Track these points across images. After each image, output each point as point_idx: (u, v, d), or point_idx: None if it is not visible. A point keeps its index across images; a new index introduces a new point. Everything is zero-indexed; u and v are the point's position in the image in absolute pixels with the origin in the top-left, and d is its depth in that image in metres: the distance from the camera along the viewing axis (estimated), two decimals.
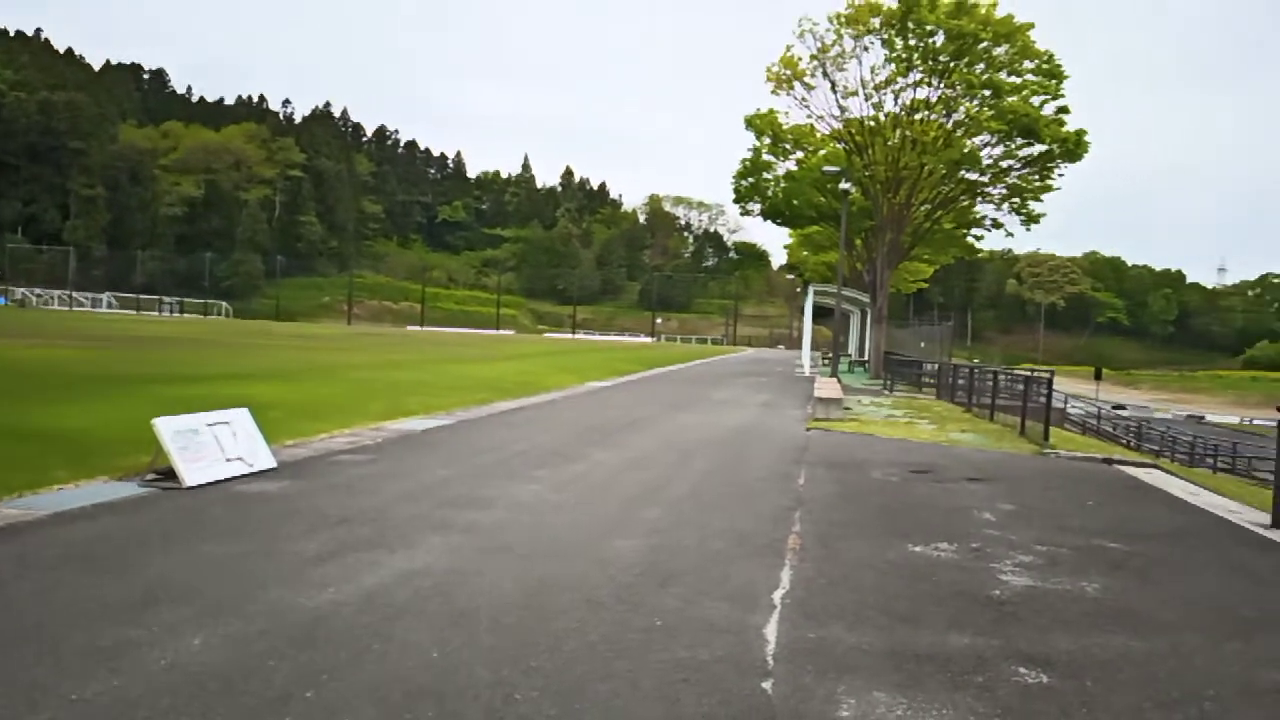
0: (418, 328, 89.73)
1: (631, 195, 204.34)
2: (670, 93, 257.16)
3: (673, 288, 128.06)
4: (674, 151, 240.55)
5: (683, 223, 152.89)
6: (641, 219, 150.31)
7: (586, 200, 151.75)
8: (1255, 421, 53.72)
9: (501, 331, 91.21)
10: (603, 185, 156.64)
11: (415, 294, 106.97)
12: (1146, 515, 8.49)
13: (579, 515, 7.02)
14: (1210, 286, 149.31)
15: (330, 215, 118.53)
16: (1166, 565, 6.36)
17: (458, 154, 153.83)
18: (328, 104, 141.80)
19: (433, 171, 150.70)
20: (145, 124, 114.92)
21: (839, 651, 4.18)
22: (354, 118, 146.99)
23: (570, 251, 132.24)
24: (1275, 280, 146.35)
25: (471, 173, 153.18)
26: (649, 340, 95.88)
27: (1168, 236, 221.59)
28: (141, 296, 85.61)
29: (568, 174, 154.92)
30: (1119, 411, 50.35)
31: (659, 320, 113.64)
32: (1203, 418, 60.17)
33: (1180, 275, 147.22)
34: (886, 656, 4.14)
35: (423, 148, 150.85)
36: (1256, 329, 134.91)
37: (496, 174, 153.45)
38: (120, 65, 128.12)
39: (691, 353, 57.75)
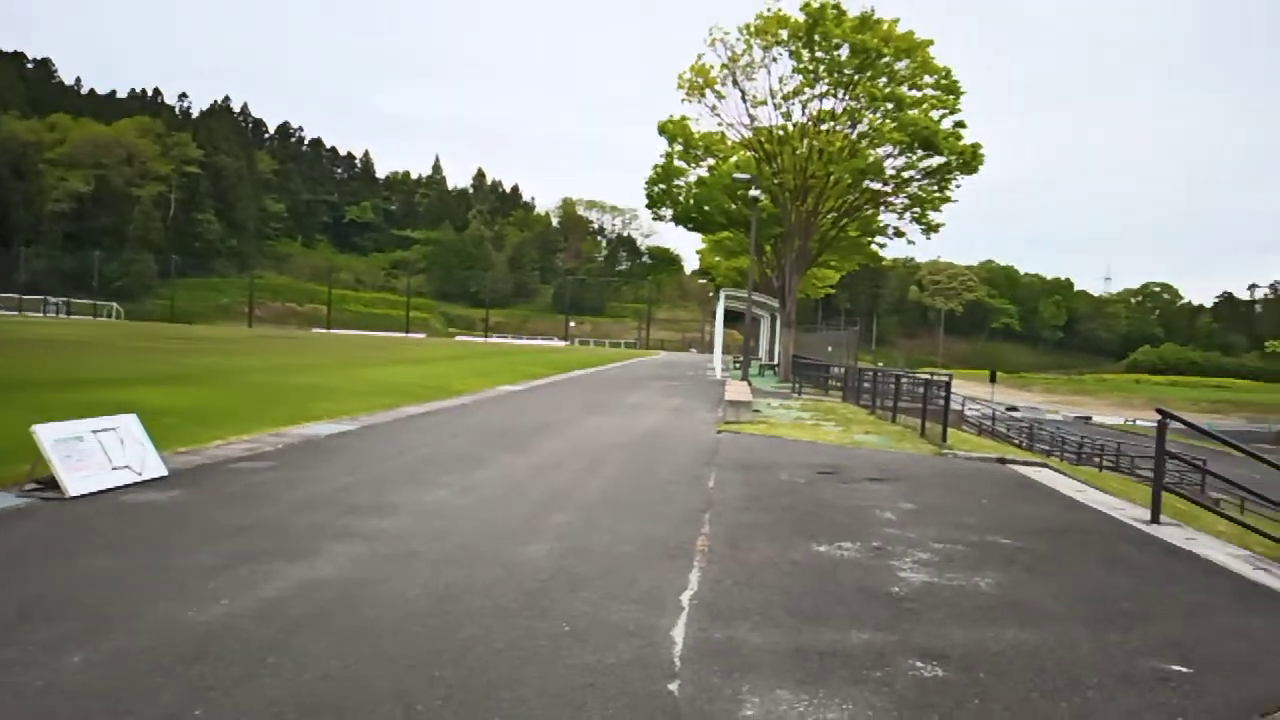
0: (324, 330, 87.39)
1: (544, 198, 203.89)
2: (585, 96, 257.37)
3: (586, 291, 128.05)
4: (588, 155, 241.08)
5: (596, 226, 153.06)
6: (555, 222, 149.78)
7: (499, 202, 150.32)
8: (1138, 422, 56.83)
9: (411, 335, 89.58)
10: (515, 188, 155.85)
11: (321, 296, 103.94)
12: (1036, 512, 8.87)
13: (488, 521, 6.94)
14: (1097, 294, 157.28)
15: (230, 214, 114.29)
16: (1054, 560, 6.65)
17: (365, 153, 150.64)
18: (227, 99, 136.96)
19: (339, 170, 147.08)
20: (29, 116, 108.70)
21: (745, 651, 4.24)
22: (255, 113, 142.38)
23: (482, 254, 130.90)
24: (1155, 289, 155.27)
25: (380, 172, 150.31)
26: (562, 344, 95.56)
27: (1058, 247, 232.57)
28: (25, 297, 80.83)
29: (480, 176, 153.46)
30: (1012, 413, 52.45)
31: (572, 324, 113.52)
32: (1090, 419, 63.27)
33: (1069, 283, 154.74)
34: (791, 654, 4.22)
35: (329, 146, 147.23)
36: (1139, 335, 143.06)
37: (406, 174, 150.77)
38: (1, 54, 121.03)
39: (605, 356, 57.84)
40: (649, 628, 4.51)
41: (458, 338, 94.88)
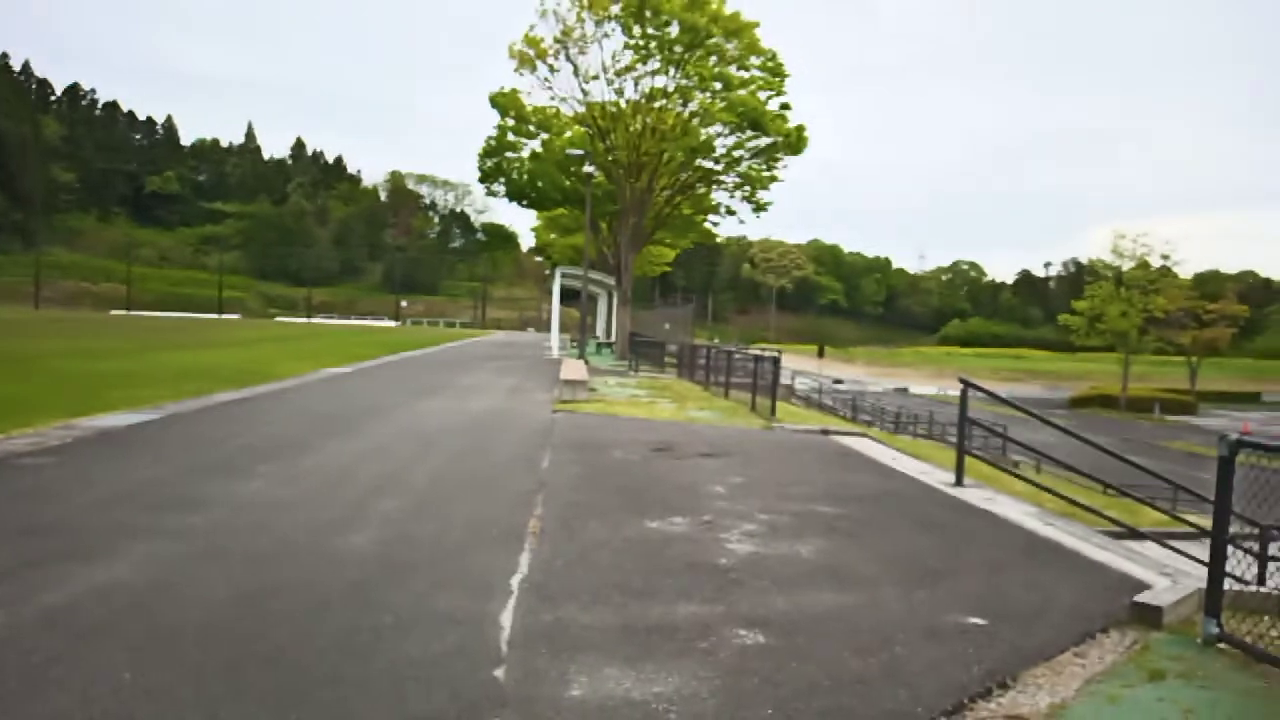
0: (124, 312, 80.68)
1: (371, 171, 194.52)
2: (414, 63, 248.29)
3: (418, 269, 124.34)
4: (418, 126, 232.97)
5: (428, 201, 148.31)
6: (383, 196, 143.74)
7: (321, 174, 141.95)
8: (949, 392, 61.19)
9: (226, 316, 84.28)
10: (339, 159, 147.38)
11: (120, 274, 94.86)
12: (855, 480, 9.35)
13: (308, 512, 6.60)
14: (913, 272, 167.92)
15: (11, 184, 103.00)
16: (870, 525, 7.03)
17: (169, 118, 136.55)
18: (5, 56, 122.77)
19: (139, 137, 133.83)
20: None
21: (574, 632, 4.22)
22: (39, 73, 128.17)
23: (304, 229, 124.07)
24: (964, 266, 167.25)
25: (186, 140, 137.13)
26: (393, 324, 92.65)
27: (878, 226, 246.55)
28: None
29: (299, 145, 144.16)
30: (838, 386, 55.36)
31: (404, 303, 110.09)
32: (907, 389, 67.61)
33: (888, 261, 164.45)
34: (620, 632, 4.24)
35: (126, 110, 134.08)
36: (950, 309, 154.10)
37: (215, 142, 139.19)
38: None
39: (438, 336, 56.50)
40: (477, 614, 4.42)
41: (278, 319, 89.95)
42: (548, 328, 43.95)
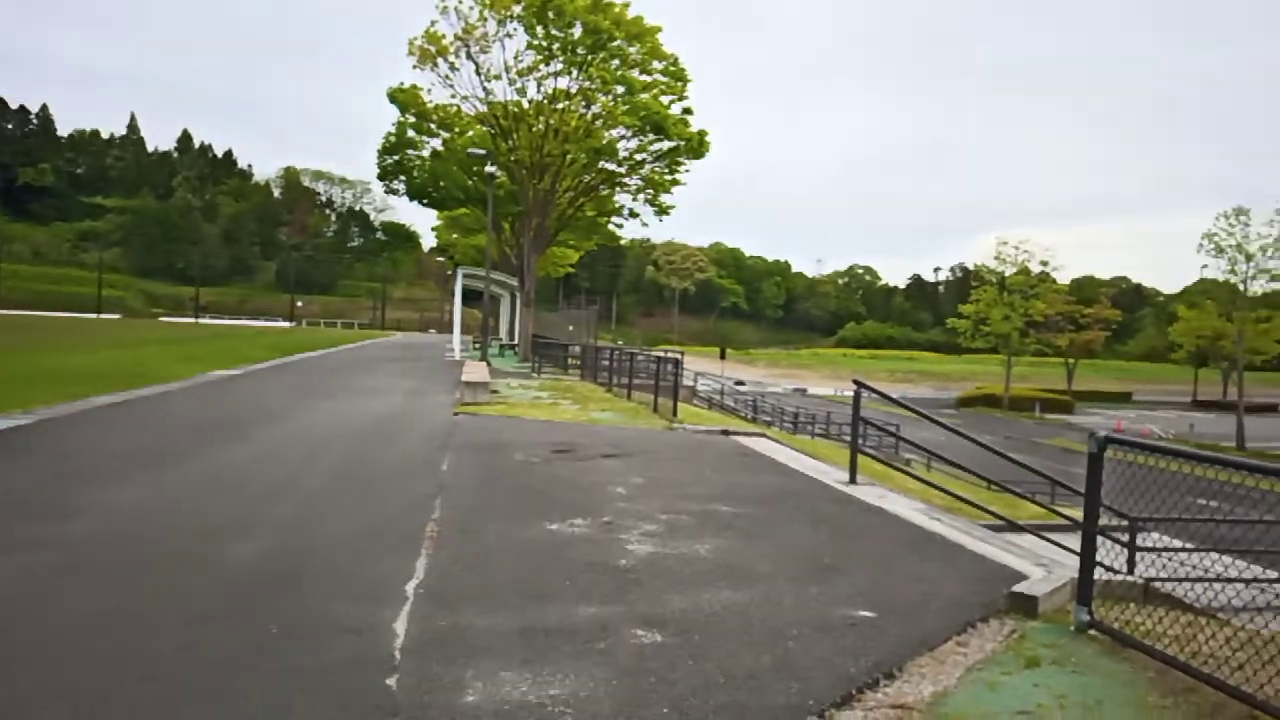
0: None
1: (264, 166, 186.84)
2: (310, 55, 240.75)
3: (314, 268, 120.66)
4: (314, 122, 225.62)
5: (324, 199, 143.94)
6: (276, 193, 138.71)
7: (210, 169, 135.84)
8: (845, 393, 62.94)
9: (106, 315, 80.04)
10: (229, 153, 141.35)
11: None
12: (754, 480, 9.51)
13: (194, 520, 6.33)
14: (811, 276, 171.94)
15: None
16: (767, 523, 7.16)
17: (44, 108, 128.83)
18: None
19: (10, 127, 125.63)
20: None
21: (470, 636, 4.17)
22: None
23: (191, 225, 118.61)
24: (859, 271, 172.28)
25: (63, 130, 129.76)
26: (288, 325, 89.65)
27: (778, 230, 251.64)
28: None
29: (186, 138, 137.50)
30: (740, 387, 56.15)
31: (299, 303, 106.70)
32: (806, 390, 69.20)
33: (788, 265, 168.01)
34: (517, 635, 4.20)
35: None
36: (846, 312, 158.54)
37: (95, 134, 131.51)
38: None
39: (336, 338, 54.98)
40: (370, 622, 4.31)
41: (162, 319, 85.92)
42: (450, 329, 43.26)
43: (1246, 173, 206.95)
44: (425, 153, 36.02)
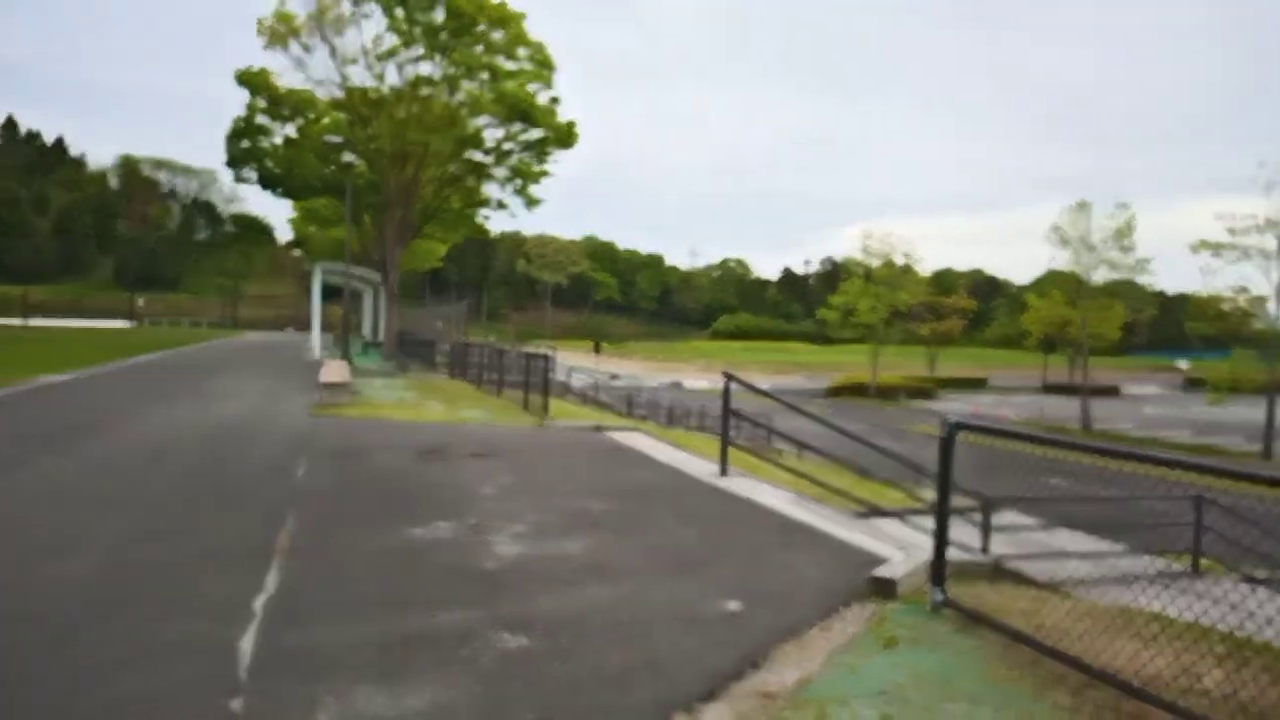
0: None
1: (100, 155, 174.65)
2: (151, 39, 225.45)
3: (157, 264, 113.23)
4: (154, 107, 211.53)
5: (167, 189, 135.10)
6: (114, 183, 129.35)
7: (37, 157, 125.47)
8: (719, 385, 63.86)
9: None
10: (60, 140, 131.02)
11: None
12: (625, 475, 9.49)
13: (12, 537, 5.77)
14: (685, 269, 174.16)
15: None
16: (638, 519, 7.14)
17: None
18: None
19: None
20: None
21: (324, 651, 3.94)
22: None
23: (18, 219, 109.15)
24: (732, 264, 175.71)
25: None
26: (129, 324, 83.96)
27: (652, 223, 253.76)
28: None
29: (10, 125, 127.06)
30: (615, 381, 56.29)
31: (141, 301, 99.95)
32: (681, 383, 69.95)
33: (661, 259, 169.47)
34: (375, 647, 4.01)
35: None
36: (720, 305, 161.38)
37: None
38: None
39: (182, 337, 51.89)
40: (214, 642, 4.02)
41: None
42: (309, 327, 41.46)
43: (1092, 169, 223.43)
44: (278, 139, 34.29)
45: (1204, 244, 37.32)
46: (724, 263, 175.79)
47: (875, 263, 65.54)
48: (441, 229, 43.18)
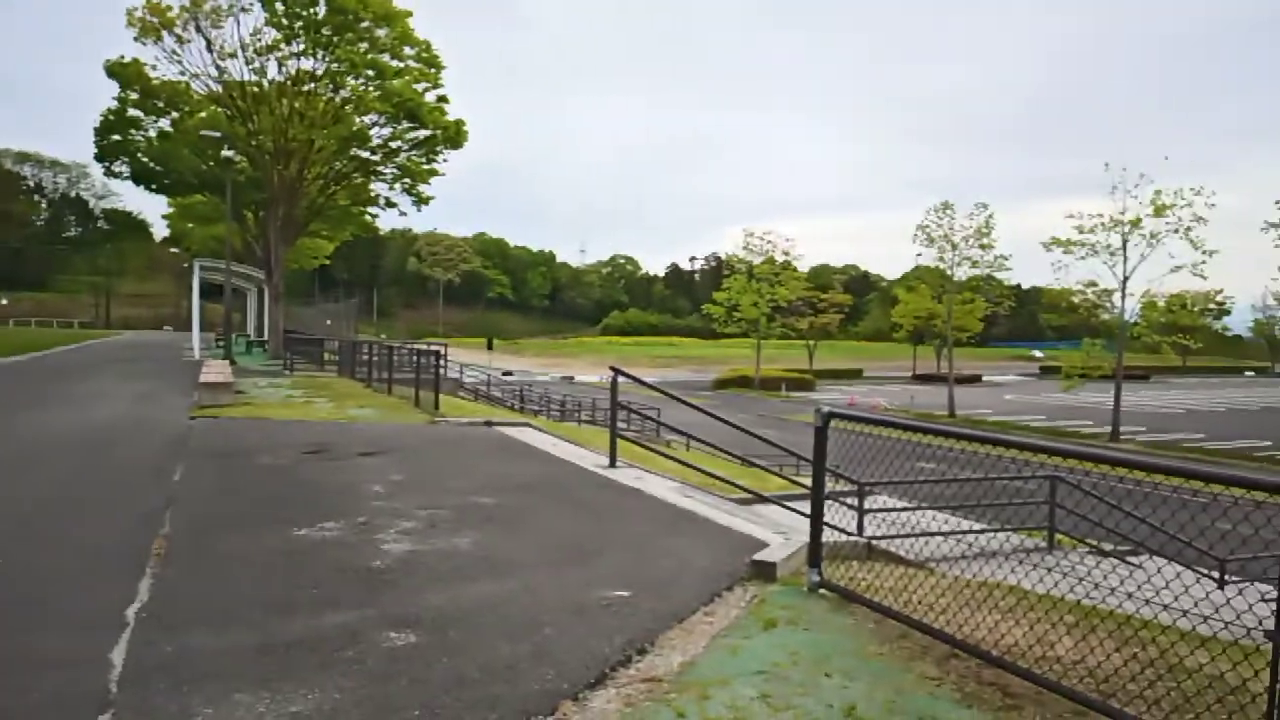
0: None
1: None
2: (11, 21, 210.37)
3: (22, 262, 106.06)
4: (15, 98, 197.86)
5: (32, 184, 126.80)
6: None
7: None
8: (610, 379, 64.20)
9: None
10: None
11: None
12: (516, 469, 9.49)
13: None
14: (575, 265, 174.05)
15: None
16: (528, 512, 7.17)
17: None
18: None
19: None
20: None
21: (201, 660, 3.84)
22: None
23: None
24: (621, 260, 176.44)
25: None
26: None
27: (542, 220, 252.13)
28: None
29: None
30: (507, 377, 55.79)
31: (3, 301, 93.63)
32: (573, 378, 69.92)
33: (552, 255, 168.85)
34: (255, 652, 3.93)
35: None
36: (610, 301, 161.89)
37: None
38: None
39: (51, 339, 48.81)
40: (81, 654, 3.87)
41: None
42: (189, 326, 39.65)
43: (961, 171, 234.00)
44: (152, 133, 32.66)
45: (1056, 241, 39.55)
46: (613, 260, 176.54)
47: (757, 260, 67.10)
48: (328, 226, 42.01)
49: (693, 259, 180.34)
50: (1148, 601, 3.56)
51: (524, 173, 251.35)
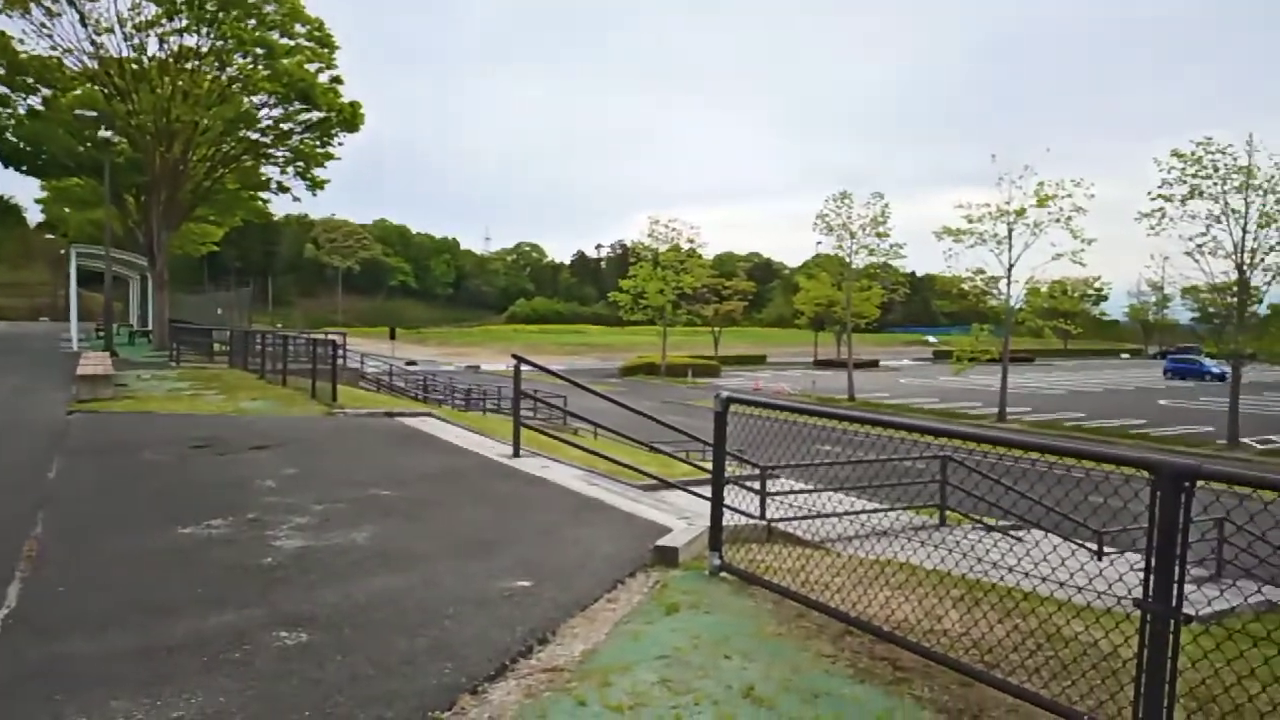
0: None
1: None
2: None
3: None
4: None
5: None
6: None
7: None
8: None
9: None
10: None
11: None
12: (418, 460, 9.32)
13: None
14: (480, 253, 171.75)
15: None
16: (429, 504, 7.04)
17: None
18: None
19: None
20: None
21: (75, 666, 3.64)
22: None
23: None
24: (526, 248, 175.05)
25: None
26: None
27: (445, 207, 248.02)
28: None
29: None
30: (411, 367, 54.73)
31: None
32: (479, 367, 69.06)
33: (456, 242, 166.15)
34: (135, 657, 3.74)
35: None
36: (515, 289, 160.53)
37: None
38: None
39: None
40: None
41: None
42: (67, 317, 37.47)
43: (860, 161, 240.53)
44: (21, 110, 30.62)
45: (947, 230, 41.05)
46: (518, 247, 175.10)
47: (663, 248, 67.51)
48: (216, 211, 40.31)
49: (599, 247, 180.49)
50: (1026, 575, 3.72)
51: (426, 159, 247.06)
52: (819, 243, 55.08)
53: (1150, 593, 2.80)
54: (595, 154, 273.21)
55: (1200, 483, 2.77)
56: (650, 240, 68.55)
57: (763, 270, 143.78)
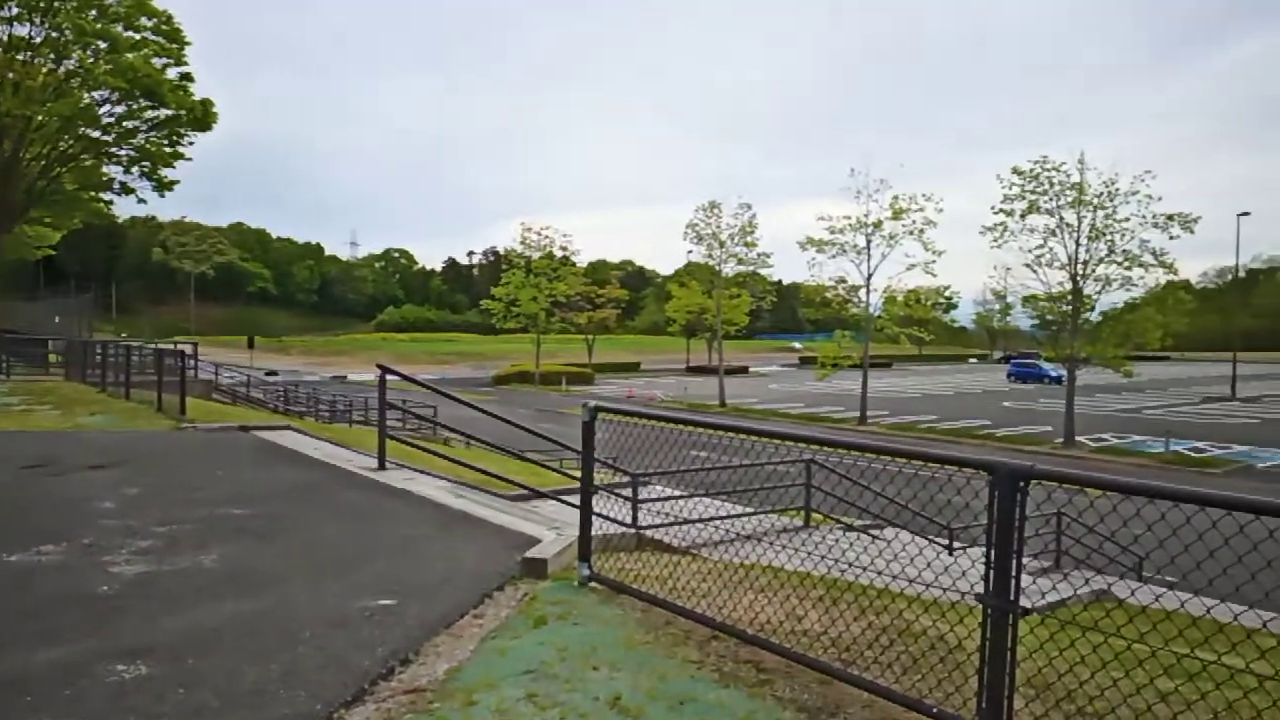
0: None
1: None
2: None
3: None
4: None
5: None
6: None
7: None
8: (389, 376, 61.75)
9: None
10: None
11: None
12: (274, 476, 8.90)
13: None
14: (346, 259, 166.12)
15: None
16: (285, 521, 6.73)
17: None
18: None
19: None
20: None
21: None
22: None
23: None
24: (395, 254, 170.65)
25: None
26: None
27: (308, 212, 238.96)
28: None
29: None
30: (271, 378, 52.39)
31: None
32: (345, 377, 66.84)
33: (320, 248, 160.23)
34: None
35: None
36: (384, 296, 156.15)
37: None
38: None
39: None
40: None
41: None
42: None
43: (735, 171, 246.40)
44: None
45: (810, 241, 42.56)
46: (387, 253, 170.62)
47: (535, 255, 67.20)
48: (52, 213, 37.49)
49: (471, 253, 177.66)
50: (880, 573, 3.86)
51: (288, 161, 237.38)
52: (690, 251, 55.98)
53: (990, 588, 2.95)
54: (467, 159, 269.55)
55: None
56: (523, 247, 68.04)
57: (636, 278, 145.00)
